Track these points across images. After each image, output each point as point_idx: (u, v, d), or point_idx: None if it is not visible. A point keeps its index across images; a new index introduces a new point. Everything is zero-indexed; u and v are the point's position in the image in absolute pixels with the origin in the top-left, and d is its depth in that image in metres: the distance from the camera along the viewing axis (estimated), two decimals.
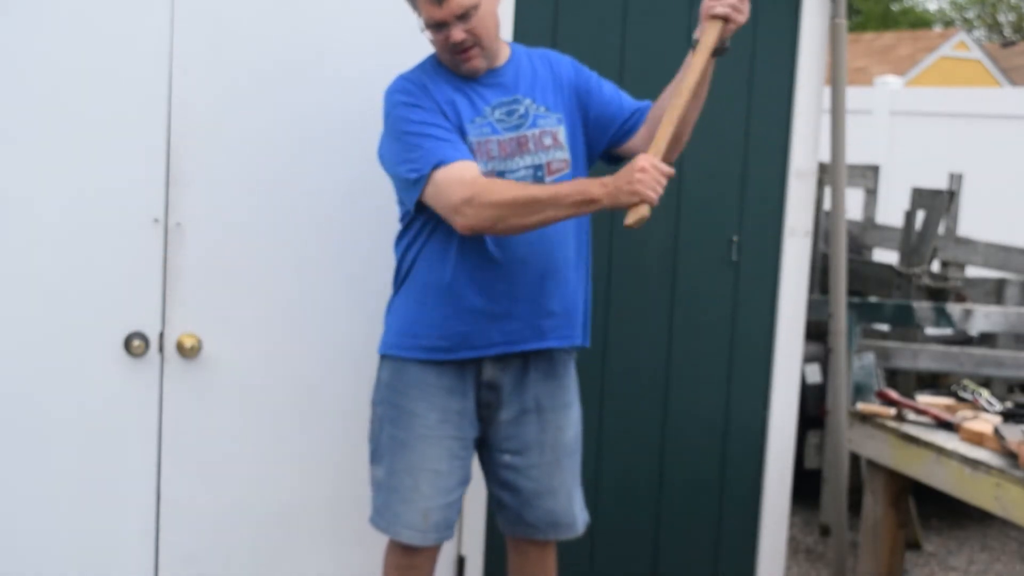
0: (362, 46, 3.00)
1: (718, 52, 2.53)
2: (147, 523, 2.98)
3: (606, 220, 3.36)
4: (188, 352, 2.92)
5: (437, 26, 2.53)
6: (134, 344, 2.88)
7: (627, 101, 2.77)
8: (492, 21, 2.59)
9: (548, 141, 2.64)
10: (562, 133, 2.67)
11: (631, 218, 2.38)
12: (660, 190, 2.38)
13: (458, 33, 2.51)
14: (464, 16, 2.51)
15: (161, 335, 2.93)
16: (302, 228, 3.02)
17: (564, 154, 2.66)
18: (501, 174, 2.59)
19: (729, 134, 3.48)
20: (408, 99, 2.59)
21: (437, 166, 2.51)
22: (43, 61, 2.76)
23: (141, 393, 2.93)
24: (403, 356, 2.68)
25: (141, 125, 2.85)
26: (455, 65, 2.60)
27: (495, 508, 2.86)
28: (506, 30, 3.16)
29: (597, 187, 2.42)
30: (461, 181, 2.48)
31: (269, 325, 3.02)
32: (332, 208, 3.02)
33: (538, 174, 2.61)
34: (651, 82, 3.37)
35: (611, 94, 2.76)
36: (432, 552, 2.74)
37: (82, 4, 2.77)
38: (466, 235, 2.53)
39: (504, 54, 2.70)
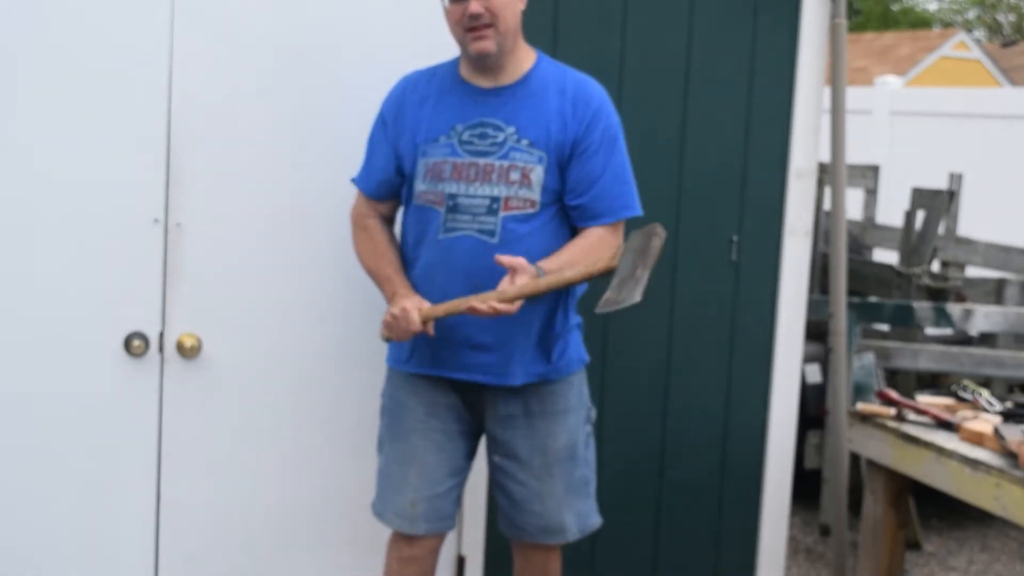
0: (363, 45, 3.00)
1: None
2: (147, 523, 2.98)
3: None
4: (188, 352, 2.92)
5: None
6: (134, 344, 2.88)
7: (587, 194, 2.63)
8: (512, 13, 2.58)
9: (515, 176, 2.58)
10: (537, 172, 2.59)
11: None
12: (404, 337, 2.60)
13: (476, 6, 2.52)
14: None
15: (161, 335, 2.93)
16: (302, 228, 3.02)
17: (531, 194, 2.59)
18: (453, 197, 2.59)
19: (729, 134, 3.48)
20: (385, 108, 2.76)
21: (360, 190, 2.81)
22: (43, 60, 2.76)
23: (141, 393, 2.93)
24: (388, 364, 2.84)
25: (141, 125, 2.85)
26: (465, 44, 2.60)
27: (496, 507, 2.86)
28: None
29: (388, 293, 2.68)
30: (354, 205, 2.84)
31: (269, 325, 3.02)
32: (333, 208, 3.01)
33: (494, 207, 2.57)
34: (651, 82, 3.38)
35: (585, 175, 2.62)
36: (432, 544, 2.75)
37: (82, 3, 2.77)
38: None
39: (520, 70, 2.65)
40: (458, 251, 2.60)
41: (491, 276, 2.54)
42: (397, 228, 2.84)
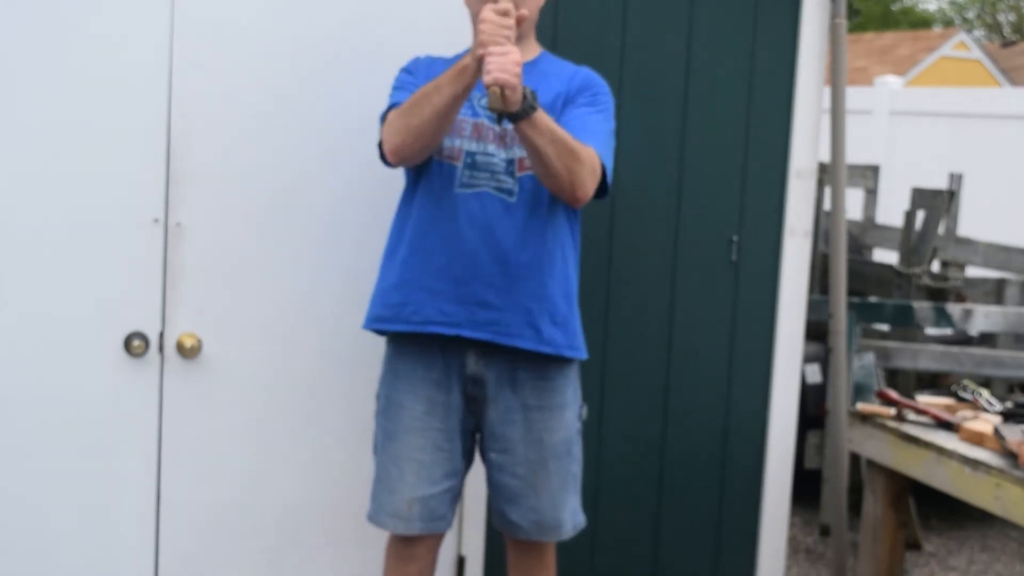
0: (365, 44, 3.00)
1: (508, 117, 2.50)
2: (147, 523, 2.98)
3: (605, 220, 3.36)
4: (188, 352, 2.92)
5: None
6: (134, 344, 2.88)
7: (570, 124, 2.67)
8: (535, 5, 2.72)
9: None
10: None
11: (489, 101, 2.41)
12: (500, 38, 2.41)
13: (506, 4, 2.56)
14: None
15: (161, 335, 2.93)
16: (302, 228, 3.02)
17: None
18: (472, 154, 2.65)
19: (729, 134, 3.48)
20: (408, 65, 2.78)
21: (391, 108, 2.65)
22: (43, 61, 2.76)
23: (141, 393, 2.93)
24: (367, 327, 2.76)
25: (141, 125, 2.85)
26: None
27: (490, 504, 2.86)
28: None
29: (459, 69, 2.50)
30: (385, 130, 2.64)
31: (269, 325, 3.02)
32: (332, 207, 3.02)
33: (510, 168, 2.66)
34: (651, 82, 3.38)
35: (572, 116, 2.69)
36: (430, 543, 2.76)
37: (82, 3, 2.77)
38: (396, 163, 2.64)
39: (531, 54, 2.76)
40: (475, 206, 2.63)
41: (506, 233, 2.62)
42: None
